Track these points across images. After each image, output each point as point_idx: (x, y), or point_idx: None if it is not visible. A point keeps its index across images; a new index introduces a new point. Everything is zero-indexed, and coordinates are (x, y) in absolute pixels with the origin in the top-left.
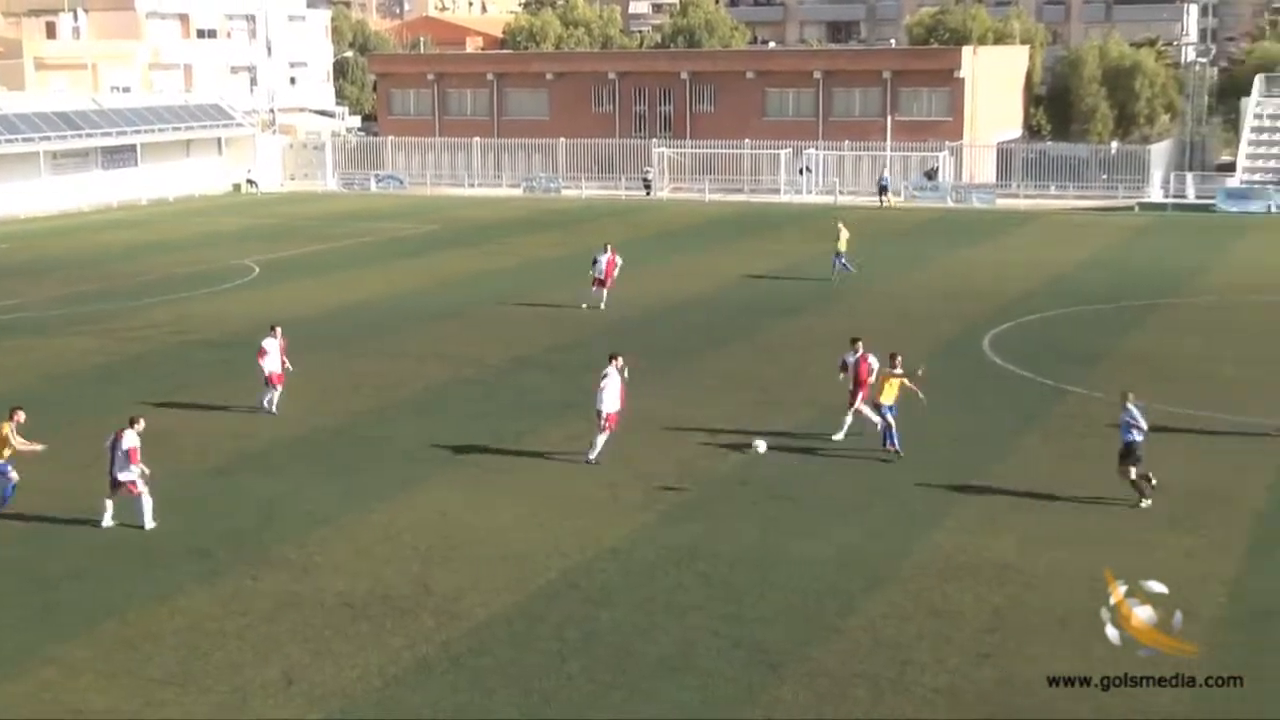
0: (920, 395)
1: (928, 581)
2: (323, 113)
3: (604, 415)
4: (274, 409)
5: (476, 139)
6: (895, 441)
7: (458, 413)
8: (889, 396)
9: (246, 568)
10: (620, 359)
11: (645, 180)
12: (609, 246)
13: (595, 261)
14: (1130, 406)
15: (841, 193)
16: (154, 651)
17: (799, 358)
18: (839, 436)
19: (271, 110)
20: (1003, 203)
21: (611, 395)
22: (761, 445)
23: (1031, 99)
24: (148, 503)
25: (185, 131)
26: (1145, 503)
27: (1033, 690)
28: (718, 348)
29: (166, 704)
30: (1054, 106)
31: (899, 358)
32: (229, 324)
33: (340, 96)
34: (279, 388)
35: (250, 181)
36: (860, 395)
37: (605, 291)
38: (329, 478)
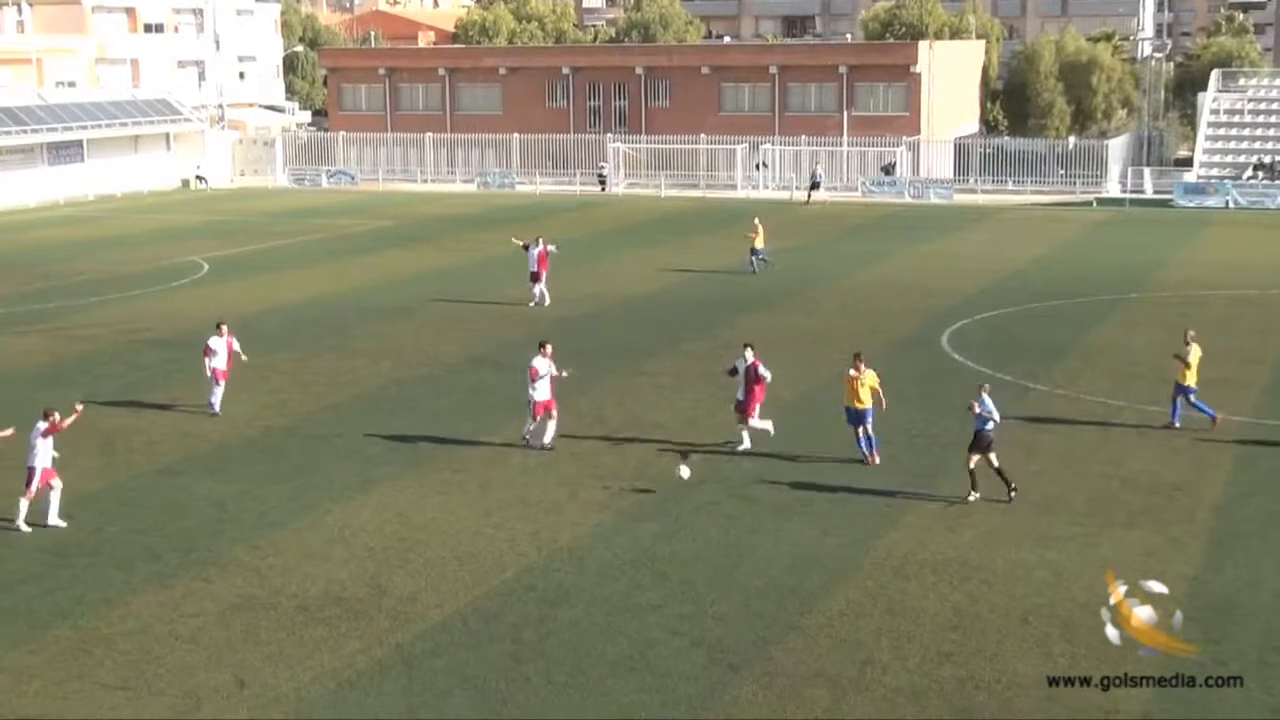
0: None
1: (886, 579)
2: (272, 108)
3: (531, 400)
4: (217, 408)
5: (429, 134)
6: (872, 450)
7: (412, 412)
8: (865, 399)
9: (198, 570)
10: (549, 347)
11: (600, 176)
12: (540, 239)
13: (529, 254)
14: (985, 398)
15: (798, 188)
16: (105, 656)
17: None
18: (743, 447)
19: (220, 105)
20: (960, 198)
21: (545, 384)
22: (685, 471)
23: (988, 94)
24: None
25: (133, 127)
26: (974, 496)
27: (994, 689)
28: (675, 345)
29: (118, 708)
30: (1011, 101)
31: (862, 357)
32: (178, 322)
33: (290, 91)
34: (222, 384)
35: (199, 177)
36: (752, 405)
37: (542, 287)
38: (282, 478)
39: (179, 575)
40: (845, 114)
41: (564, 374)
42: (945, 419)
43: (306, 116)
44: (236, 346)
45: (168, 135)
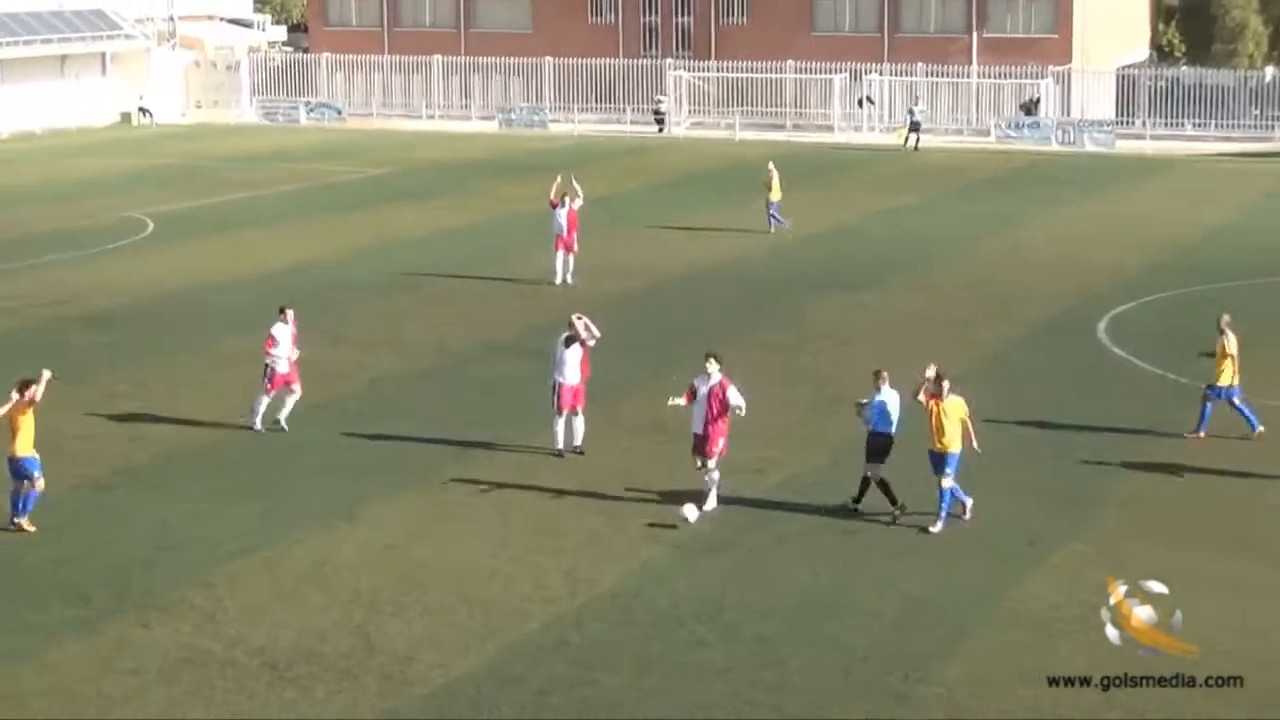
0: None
1: (1024, 638)
2: (238, 22)
3: (556, 386)
4: (258, 423)
5: (437, 58)
6: (957, 503)
7: (411, 415)
8: (952, 438)
9: (136, 614)
10: (582, 318)
11: (657, 113)
12: (568, 198)
13: (555, 218)
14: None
15: (907, 129)
16: None
17: (851, 348)
18: (707, 507)
19: (171, 19)
20: (1124, 145)
21: (572, 365)
22: (691, 513)
23: (1161, 12)
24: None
25: (59, 45)
26: (856, 504)
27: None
28: (749, 332)
29: None
30: (1191, 22)
31: (945, 377)
32: (116, 296)
33: (260, 1)
34: (295, 391)
35: (143, 110)
36: (714, 439)
37: (571, 258)
38: (245, 497)
39: (111, 620)
40: (974, 36)
41: (591, 339)
42: (1101, 431)
43: (281, 33)
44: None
45: (103, 56)
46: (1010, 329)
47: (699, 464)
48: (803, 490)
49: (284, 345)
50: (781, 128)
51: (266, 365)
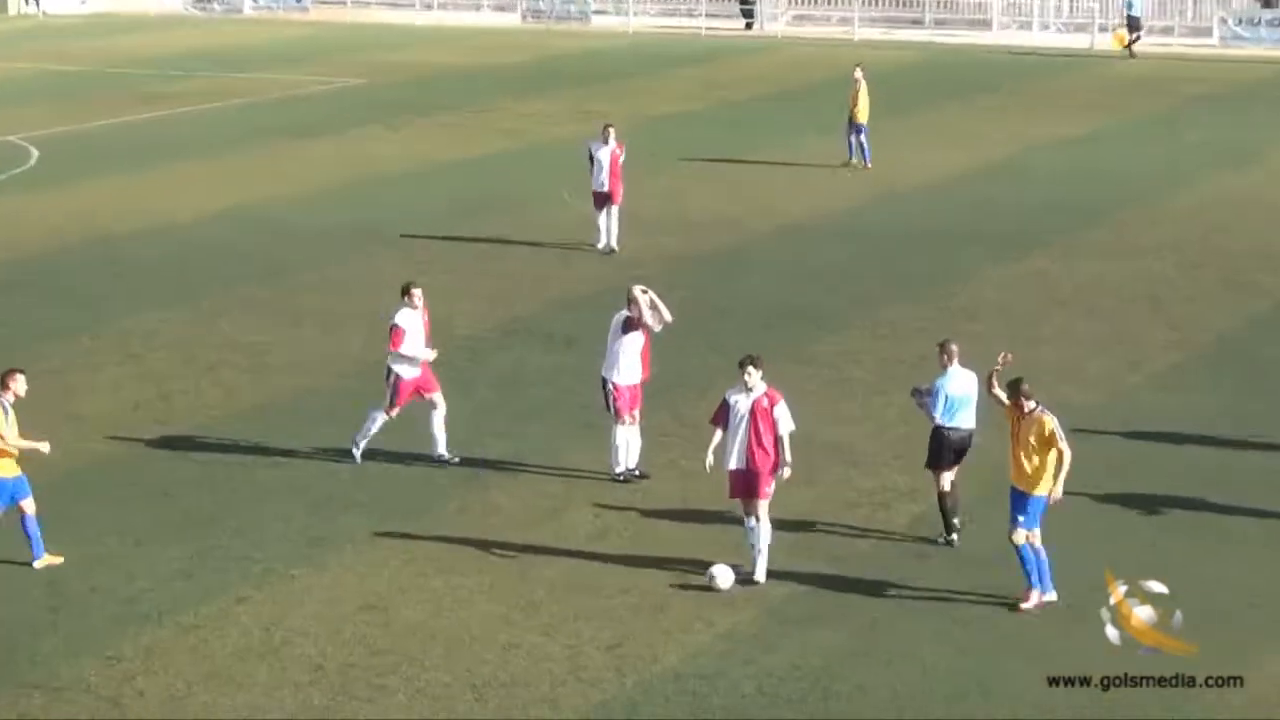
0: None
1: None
2: None
3: (612, 388)
4: (359, 453)
5: None
6: (1038, 576)
7: (400, 422)
8: (1040, 475)
9: (16, 694)
10: (648, 291)
11: (744, 3)
12: (611, 131)
13: (592, 158)
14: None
15: (1102, 28)
16: None
17: (1016, 333)
18: (758, 577)
19: None
20: None
21: (630, 357)
22: (725, 577)
23: None
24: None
25: None
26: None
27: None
28: (869, 310)
29: None
30: None
31: (1026, 389)
32: None
33: None
34: (437, 404)
35: None
36: (765, 476)
37: (614, 213)
38: (170, 536)
39: None
40: None
41: (657, 323)
42: None
43: None
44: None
45: None
46: (1242, 308)
47: (745, 509)
48: (933, 527)
49: (414, 340)
50: (919, 24)
51: (390, 371)
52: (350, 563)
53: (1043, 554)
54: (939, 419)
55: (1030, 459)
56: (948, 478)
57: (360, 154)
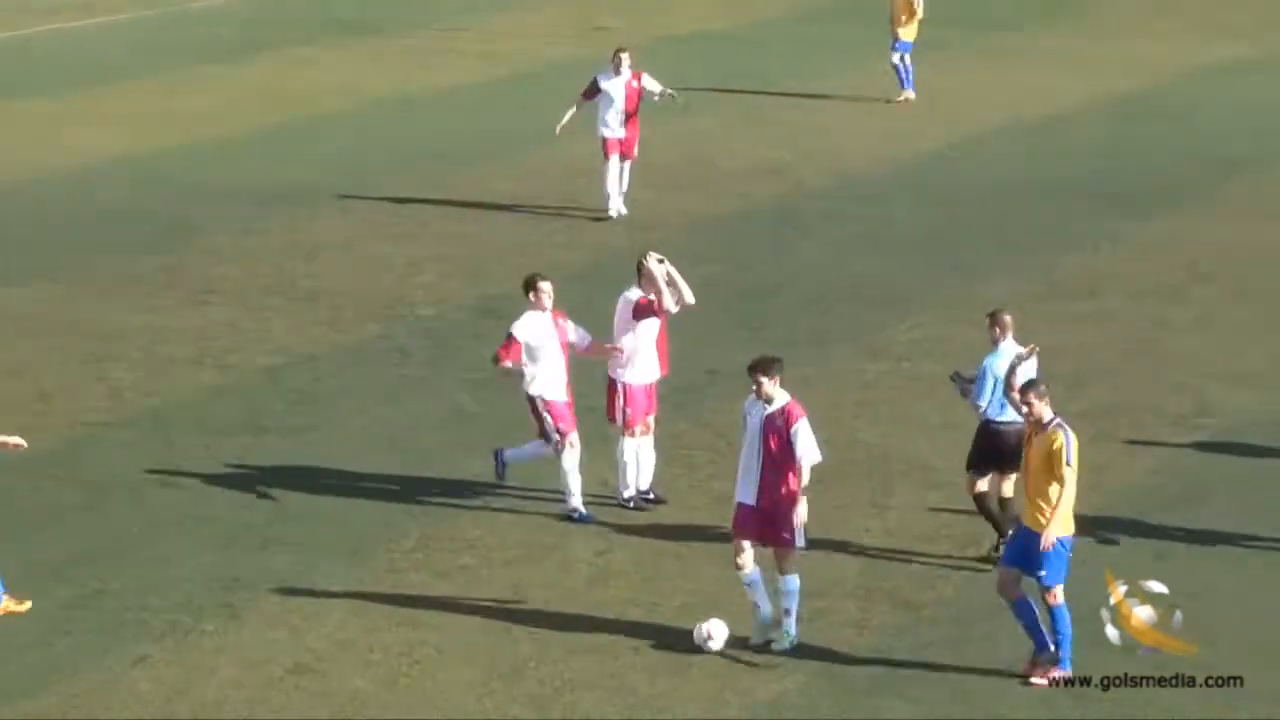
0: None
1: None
2: None
3: (623, 389)
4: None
5: None
6: (1048, 644)
7: (342, 430)
8: (1034, 508)
9: None
10: (664, 262)
11: None
12: (624, 58)
13: (599, 90)
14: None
15: None
16: None
17: (1152, 314)
18: (780, 646)
19: None
20: None
21: (643, 348)
22: (717, 635)
23: None
24: None
25: None
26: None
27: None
28: (963, 283)
29: None
30: None
31: (1038, 390)
32: None
33: None
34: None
35: None
36: (784, 513)
37: (628, 170)
38: (33, 582)
39: None
40: None
41: (675, 302)
42: None
43: None
44: (574, 337)
45: None
46: None
47: (738, 560)
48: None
49: (548, 355)
50: None
51: (530, 398)
52: (277, 613)
53: (1058, 622)
54: (985, 410)
55: (1038, 489)
56: (1004, 485)
57: (290, 85)
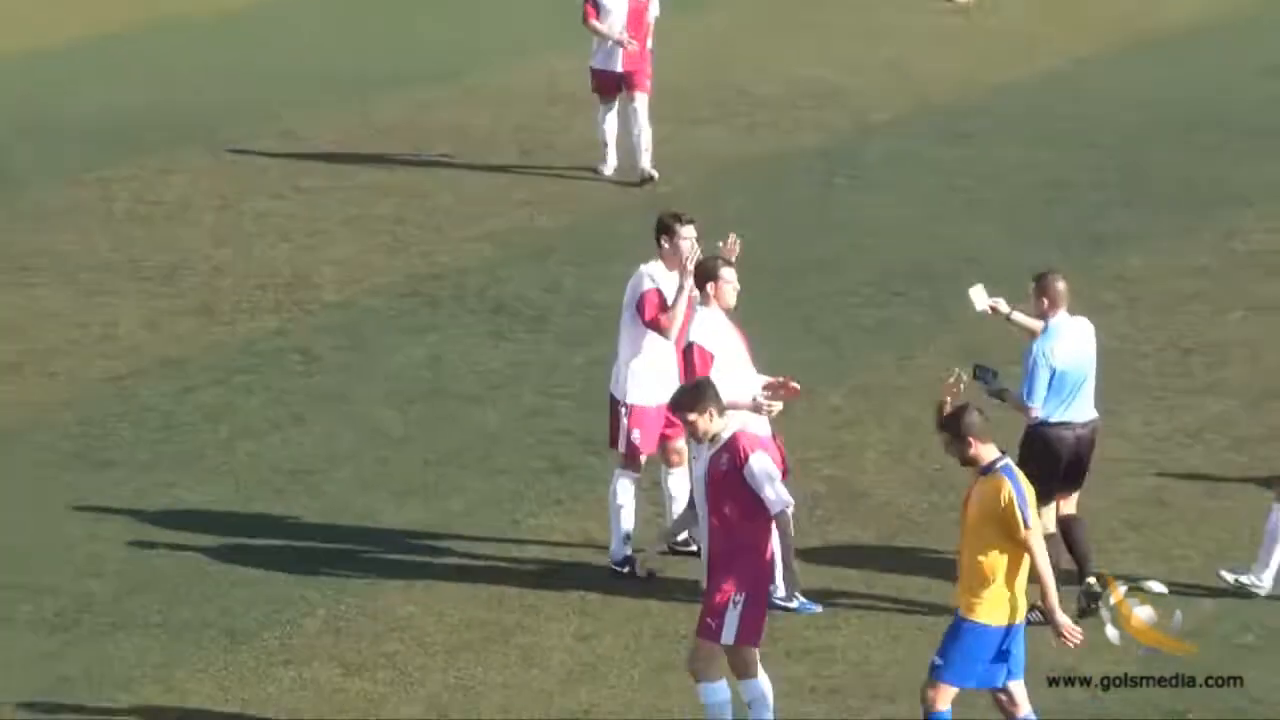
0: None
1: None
2: None
3: (627, 410)
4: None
5: None
6: None
7: (231, 461)
8: (983, 600)
9: None
10: (691, 232)
11: None
12: None
13: (597, 7)
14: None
15: None
16: None
17: None
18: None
19: None
20: None
21: (659, 354)
22: None
23: None
24: None
25: None
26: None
27: None
28: (1081, 261)
29: None
30: None
31: (967, 414)
32: None
33: None
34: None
35: None
36: (723, 586)
37: (642, 109)
38: None
39: None
40: None
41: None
42: None
43: None
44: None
45: None
46: None
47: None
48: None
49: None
50: None
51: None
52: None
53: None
54: (1036, 410)
55: (973, 552)
56: (1062, 504)
57: None
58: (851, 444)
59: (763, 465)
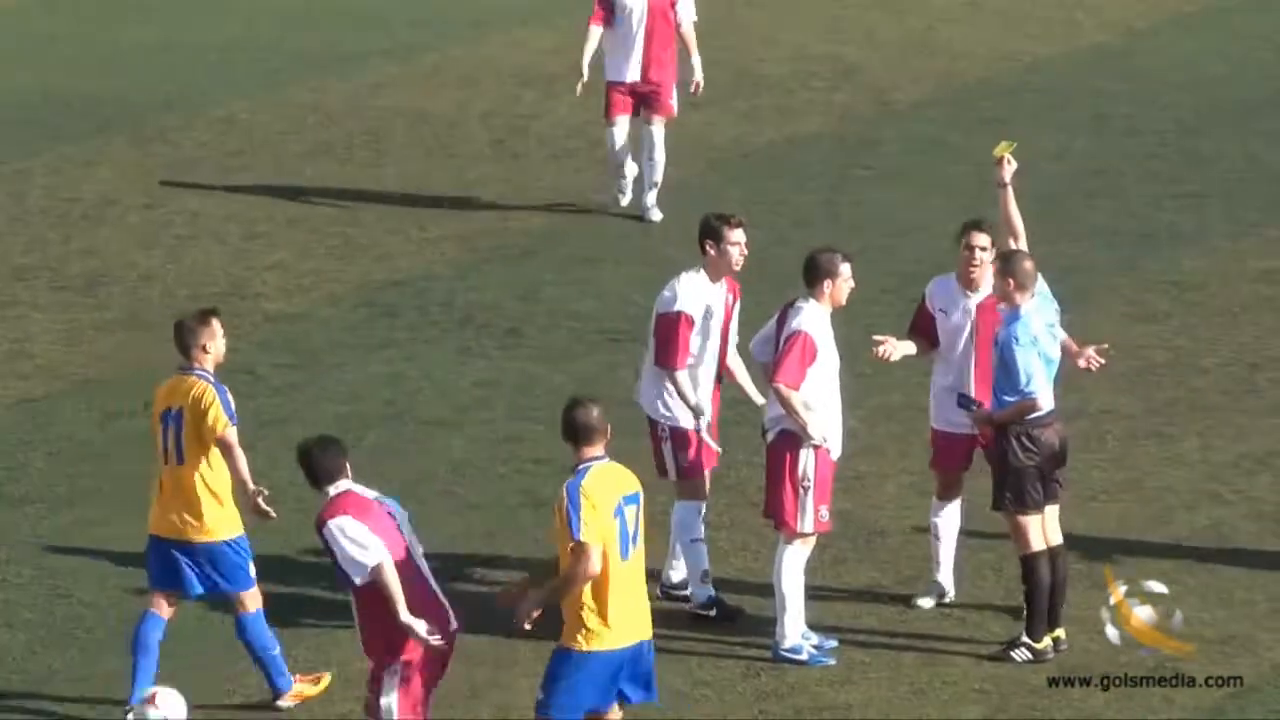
0: None
1: None
2: None
3: (666, 431)
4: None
5: None
6: None
7: (123, 504)
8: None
9: None
10: (740, 236)
11: None
12: None
13: (612, 8)
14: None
15: None
16: None
17: None
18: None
19: None
20: None
21: (709, 365)
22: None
23: None
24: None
25: None
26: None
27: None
28: (1159, 255)
29: None
30: None
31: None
32: None
33: None
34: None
35: None
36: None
37: (659, 133)
38: None
39: None
40: None
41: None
42: None
43: None
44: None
45: None
46: None
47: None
48: None
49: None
50: None
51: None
52: None
53: None
54: (1041, 400)
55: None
56: (1046, 524)
57: None
58: (870, 475)
59: (336, 536)
